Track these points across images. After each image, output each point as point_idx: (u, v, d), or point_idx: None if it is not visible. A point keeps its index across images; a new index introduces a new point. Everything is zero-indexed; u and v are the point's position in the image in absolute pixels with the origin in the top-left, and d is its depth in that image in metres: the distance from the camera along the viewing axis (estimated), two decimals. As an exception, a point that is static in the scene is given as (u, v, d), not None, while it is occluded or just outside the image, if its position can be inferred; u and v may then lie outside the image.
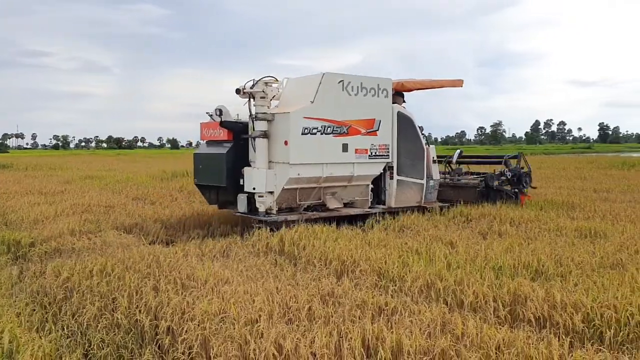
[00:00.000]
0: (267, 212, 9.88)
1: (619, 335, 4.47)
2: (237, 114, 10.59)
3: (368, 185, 11.05)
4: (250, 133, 10.14)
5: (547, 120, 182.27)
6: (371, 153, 10.72)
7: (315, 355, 4.15)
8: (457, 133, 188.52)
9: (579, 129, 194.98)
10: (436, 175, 12.14)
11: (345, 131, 10.30)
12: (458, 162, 14.48)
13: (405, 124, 11.34)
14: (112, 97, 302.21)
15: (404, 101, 12.03)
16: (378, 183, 11.29)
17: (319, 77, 10.06)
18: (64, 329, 5.25)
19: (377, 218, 10.29)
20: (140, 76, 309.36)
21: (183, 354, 4.47)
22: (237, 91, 9.97)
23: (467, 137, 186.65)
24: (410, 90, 12.34)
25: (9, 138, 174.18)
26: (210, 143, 11.04)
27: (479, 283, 5.70)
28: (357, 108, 10.48)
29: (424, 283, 5.85)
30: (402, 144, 11.25)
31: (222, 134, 10.47)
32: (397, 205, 11.22)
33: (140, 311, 5.25)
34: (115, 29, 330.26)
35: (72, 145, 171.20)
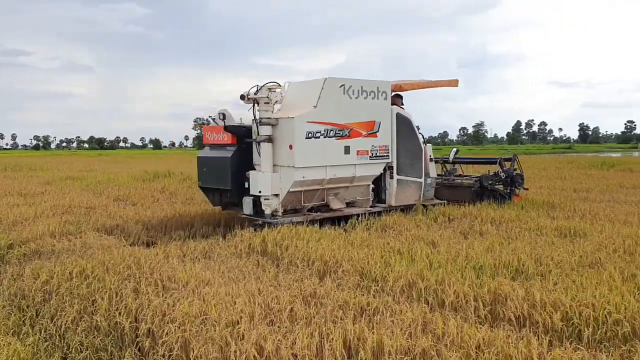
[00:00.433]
0: (273, 214, 10.10)
1: (597, 333, 4.52)
2: (241, 118, 10.79)
3: (369, 185, 11.35)
4: (254, 137, 10.31)
5: (529, 120, 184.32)
6: (372, 154, 11.03)
7: (296, 357, 4.14)
8: (439, 133, 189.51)
9: (560, 129, 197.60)
10: (433, 173, 12.51)
11: (347, 134, 10.60)
12: (454, 162, 14.77)
13: (403, 125, 11.65)
14: (94, 97, 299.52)
15: (402, 102, 12.26)
16: (378, 183, 11.61)
17: (321, 82, 10.27)
18: (42, 332, 5.19)
19: (361, 218, 10.35)
20: (122, 76, 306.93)
21: (163, 356, 4.44)
22: (242, 97, 10.14)
23: (449, 137, 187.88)
24: (408, 91, 12.63)
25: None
26: (213, 147, 11.23)
27: (460, 282, 5.73)
28: (357, 111, 10.77)
29: (406, 283, 5.86)
30: (401, 144, 11.58)
31: (226, 138, 10.68)
32: (397, 203, 11.56)
33: (120, 313, 5.21)
34: (97, 28, 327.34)
35: (53, 146, 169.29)
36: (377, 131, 11.10)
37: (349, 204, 11.25)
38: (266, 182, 10.00)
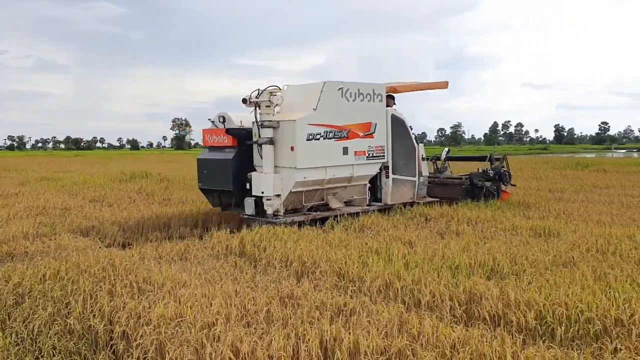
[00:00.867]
0: (275, 214, 10.38)
1: (570, 331, 4.58)
2: (241, 121, 11.09)
3: (366, 184, 11.76)
4: (256, 140, 10.57)
5: (505, 121, 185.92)
6: (369, 154, 11.41)
7: (272, 358, 4.13)
8: (418, 134, 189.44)
9: (536, 130, 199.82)
10: (425, 172, 12.97)
11: (345, 135, 10.95)
12: (446, 159, 15.21)
13: (398, 126, 12.08)
14: (69, 97, 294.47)
15: (394, 103, 12.60)
16: (374, 182, 11.98)
17: (320, 86, 10.63)
18: (12, 336, 5.09)
19: (342, 218, 10.40)
20: (98, 75, 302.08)
21: (138, 359, 4.39)
22: (244, 101, 10.34)
23: (427, 138, 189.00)
24: (401, 92, 13.11)
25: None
26: (213, 149, 11.49)
27: (436, 282, 5.77)
28: (355, 113, 11.14)
29: (383, 283, 5.89)
30: (395, 145, 12.00)
31: (227, 140, 10.98)
32: (392, 202, 11.97)
33: (94, 316, 5.14)
34: (72, 26, 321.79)
35: (28, 146, 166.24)
36: (373, 132, 11.47)
37: (347, 203, 11.60)
38: (268, 183, 10.27)
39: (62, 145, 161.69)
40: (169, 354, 4.26)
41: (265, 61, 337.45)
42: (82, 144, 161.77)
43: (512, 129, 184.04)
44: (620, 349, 4.14)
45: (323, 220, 10.52)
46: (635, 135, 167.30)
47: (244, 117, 11.13)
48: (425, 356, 4.04)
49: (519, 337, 4.37)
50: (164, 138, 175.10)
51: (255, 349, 4.18)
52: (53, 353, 4.69)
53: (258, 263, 7.37)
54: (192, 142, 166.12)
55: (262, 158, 10.45)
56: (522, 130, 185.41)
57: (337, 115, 10.79)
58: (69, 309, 5.41)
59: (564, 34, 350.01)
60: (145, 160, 47.03)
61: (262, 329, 4.67)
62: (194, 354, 4.25)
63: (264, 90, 10.30)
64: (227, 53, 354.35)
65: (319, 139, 10.47)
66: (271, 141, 10.37)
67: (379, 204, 11.88)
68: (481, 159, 15.58)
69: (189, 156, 68.21)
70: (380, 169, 11.81)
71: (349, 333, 4.33)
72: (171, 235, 11.04)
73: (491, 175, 13.97)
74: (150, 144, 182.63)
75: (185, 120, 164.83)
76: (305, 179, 10.37)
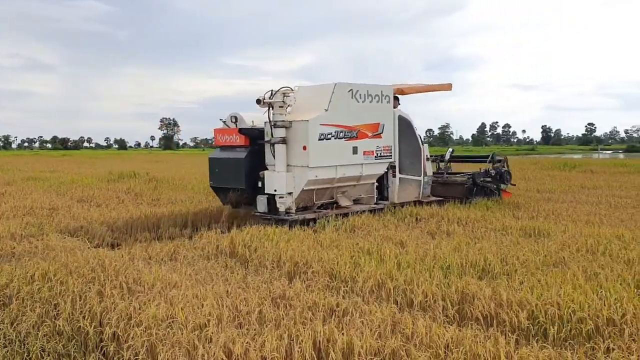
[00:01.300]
0: (287, 212, 10.64)
1: (562, 331, 4.59)
2: (252, 121, 11.45)
3: (373, 183, 12.12)
4: (269, 139, 10.82)
5: (493, 122, 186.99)
6: (377, 154, 11.76)
7: (265, 359, 4.09)
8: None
9: (523, 131, 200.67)
10: (430, 172, 13.32)
11: (355, 135, 11.28)
12: (449, 161, 15.43)
13: (404, 126, 12.45)
14: (56, 96, 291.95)
15: (399, 103, 12.83)
16: (381, 181, 12.33)
17: (332, 87, 10.95)
18: (0, 338, 5.01)
19: (330, 219, 10.41)
20: (86, 75, 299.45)
21: (129, 361, 4.33)
22: (258, 101, 10.58)
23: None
24: (408, 94, 13.43)
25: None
26: (225, 148, 11.83)
27: (428, 282, 5.76)
28: (364, 114, 11.48)
29: (375, 283, 5.87)
30: (402, 145, 12.38)
31: (239, 140, 11.31)
32: (399, 200, 12.35)
33: (84, 317, 5.07)
34: (58, 25, 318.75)
35: (14, 146, 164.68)
36: (382, 132, 11.83)
37: (355, 202, 11.91)
38: (281, 181, 10.54)
39: (49, 145, 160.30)
40: (160, 355, 4.21)
41: (253, 61, 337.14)
42: (69, 143, 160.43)
43: (499, 130, 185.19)
44: (613, 349, 4.15)
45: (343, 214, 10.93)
46: (621, 136, 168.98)
47: (255, 117, 11.47)
48: (419, 357, 4.03)
49: (512, 337, 4.37)
50: (152, 138, 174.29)
51: (248, 350, 4.15)
52: (42, 355, 4.62)
53: (249, 263, 7.32)
54: (180, 142, 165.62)
55: (274, 157, 10.70)
56: (510, 131, 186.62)
57: (347, 115, 11.12)
58: (58, 310, 5.34)
59: (553, 35, 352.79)
60: (133, 160, 46.74)
61: (255, 330, 4.63)
62: (186, 355, 4.20)
63: (277, 91, 10.58)
64: (215, 53, 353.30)
65: (330, 139, 10.79)
66: (284, 141, 10.62)
67: (385, 202, 12.21)
68: (483, 158, 15.83)
69: (177, 156, 67.99)
70: (387, 168, 12.16)
71: (343, 334, 4.30)
72: (160, 236, 10.94)
73: (493, 174, 14.34)
74: (138, 144, 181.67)
75: (173, 120, 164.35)
76: (317, 177, 10.65)
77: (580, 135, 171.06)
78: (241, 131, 11.25)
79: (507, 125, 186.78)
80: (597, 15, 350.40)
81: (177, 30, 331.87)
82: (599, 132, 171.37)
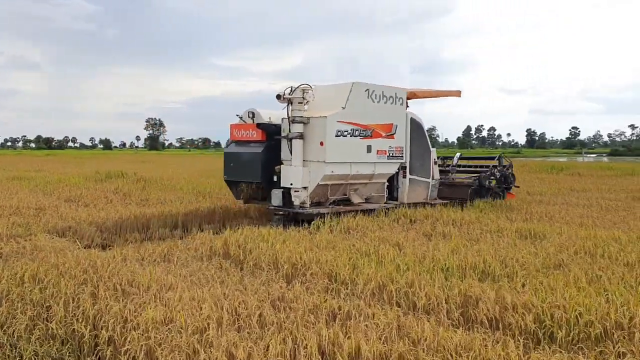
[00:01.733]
0: (301, 205, 10.83)
1: (570, 335, 4.50)
2: (269, 117, 11.68)
3: (384, 183, 12.36)
4: (286, 134, 11.01)
5: (478, 125, 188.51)
6: (389, 154, 12.02)
7: (269, 364, 3.96)
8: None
9: (508, 134, 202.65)
10: (437, 175, 13.64)
11: (370, 134, 11.52)
12: (458, 165, 15.87)
13: (416, 128, 12.79)
14: (41, 95, 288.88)
15: (408, 106, 13.01)
16: (391, 181, 12.58)
17: (349, 86, 11.22)
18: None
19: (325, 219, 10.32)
20: (71, 74, 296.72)
21: (126, 365, 4.18)
22: (278, 97, 10.85)
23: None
24: (420, 98, 13.88)
25: None
26: (240, 143, 12.01)
27: (430, 285, 5.66)
28: (379, 114, 11.75)
29: (376, 285, 5.76)
30: (413, 146, 12.67)
31: (256, 135, 11.55)
32: (408, 201, 12.56)
33: (77, 320, 4.90)
34: (44, 24, 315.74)
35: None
36: (394, 133, 12.10)
37: (366, 200, 12.12)
38: (297, 175, 10.78)
39: (33, 145, 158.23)
40: (159, 360, 4.06)
41: (242, 62, 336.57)
42: (53, 143, 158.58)
43: (485, 133, 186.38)
44: (625, 353, 4.07)
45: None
46: (604, 140, 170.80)
47: (272, 114, 11.71)
48: (428, 361, 3.92)
49: (521, 341, 4.28)
50: (137, 138, 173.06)
51: (251, 355, 4.02)
52: (35, 359, 4.45)
53: (244, 265, 7.18)
54: (166, 143, 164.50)
55: (291, 152, 10.89)
56: (495, 134, 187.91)
57: (363, 114, 11.34)
58: (50, 313, 5.16)
59: (540, 41, 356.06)
60: (119, 160, 46.27)
61: (256, 333, 4.49)
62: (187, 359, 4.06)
63: (297, 87, 10.83)
64: (203, 53, 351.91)
65: (346, 136, 11.01)
66: (301, 136, 10.83)
67: (395, 202, 12.43)
68: (491, 159, 16.37)
69: (164, 156, 67.47)
70: (398, 168, 12.42)
71: (348, 338, 4.18)
72: (151, 236, 10.78)
73: (498, 177, 14.70)
74: (124, 144, 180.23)
75: (159, 120, 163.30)
76: (332, 172, 10.89)
77: (564, 138, 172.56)
78: (259, 126, 11.46)
79: (492, 129, 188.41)
80: (583, 23, 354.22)
81: (165, 29, 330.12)
82: (582, 136, 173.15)
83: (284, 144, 11.17)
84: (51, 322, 4.91)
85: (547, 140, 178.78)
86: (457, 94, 15.20)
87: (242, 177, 11.86)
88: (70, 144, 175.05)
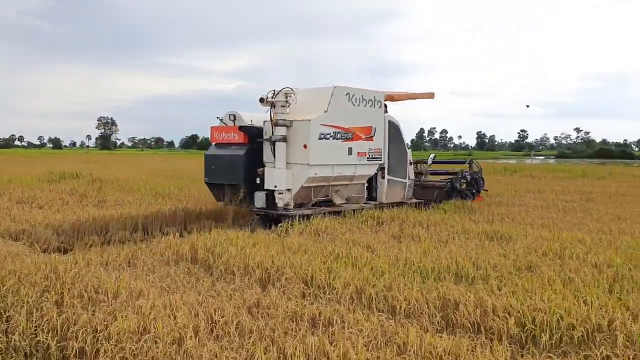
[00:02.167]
0: (285, 207, 10.95)
1: (553, 338, 4.51)
2: (251, 120, 11.83)
3: (364, 183, 12.69)
4: (268, 137, 11.13)
5: (431, 128, 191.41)
6: (369, 156, 12.32)
7: (255, 375, 3.81)
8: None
9: (459, 136, 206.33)
10: (412, 175, 14.13)
11: (350, 137, 11.81)
12: (433, 164, 16.40)
13: (393, 130, 13.11)
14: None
15: (387, 108, 13.30)
16: (370, 181, 12.88)
17: (331, 89, 11.44)
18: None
19: (292, 221, 10.18)
20: (17, 70, 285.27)
21: (100, 379, 3.95)
22: (261, 100, 10.93)
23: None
24: (397, 101, 14.24)
25: None
26: (221, 145, 12.12)
27: (408, 288, 5.61)
28: (359, 117, 12.05)
29: (354, 290, 5.66)
30: (391, 148, 12.99)
31: (238, 137, 11.66)
32: (386, 201, 12.91)
33: (43, 331, 4.60)
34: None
35: None
36: (373, 135, 12.39)
37: (347, 200, 12.33)
38: (281, 177, 10.92)
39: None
40: (136, 373, 3.85)
41: (194, 60, 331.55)
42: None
43: (437, 135, 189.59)
44: (610, 357, 4.09)
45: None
46: (551, 143, 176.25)
47: (253, 117, 11.86)
48: (417, 368, 3.84)
49: (508, 346, 4.25)
50: (88, 137, 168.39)
51: (234, 365, 3.85)
52: (-3, 375, 4.16)
53: (214, 270, 6.97)
54: (118, 142, 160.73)
55: (274, 155, 11.01)
56: (447, 137, 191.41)
57: (344, 117, 11.61)
58: (12, 324, 4.83)
59: (492, 46, 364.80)
60: (70, 159, 44.81)
61: (237, 342, 4.32)
62: (166, 372, 3.86)
63: (280, 91, 10.94)
64: (156, 52, 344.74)
65: (328, 139, 11.25)
66: (284, 139, 10.94)
67: (374, 202, 12.75)
68: (461, 163, 17.15)
69: (116, 156, 65.82)
70: (377, 170, 12.73)
71: (335, 346, 4.06)
72: (110, 240, 10.39)
73: (469, 179, 15.23)
74: (74, 143, 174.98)
75: (111, 119, 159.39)
76: (315, 175, 11.12)
77: (513, 141, 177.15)
78: (242, 129, 11.55)
79: (445, 131, 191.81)
80: (533, 29, 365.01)
81: (116, 27, 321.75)
82: (530, 139, 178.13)
83: (267, 146, 11.26)
84: (13, 334, 4.60)
85: (496, 143, 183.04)
86: (431, 95, 15.76)
87: (224, 180, 11.91)
88: (17, 142, 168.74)
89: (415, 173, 15.14)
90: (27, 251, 7.86)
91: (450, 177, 15.43)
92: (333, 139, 11.35)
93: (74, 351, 4.27)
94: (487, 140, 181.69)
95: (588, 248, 7.93)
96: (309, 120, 10.90)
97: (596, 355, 4.09)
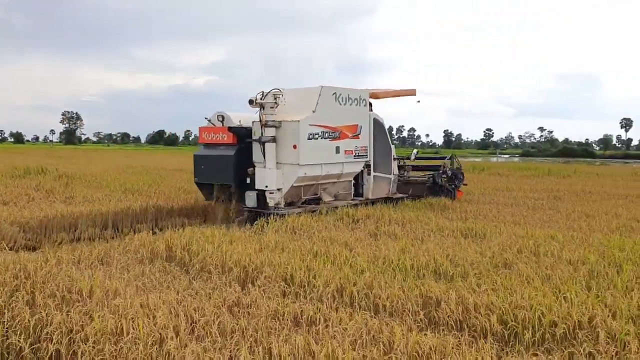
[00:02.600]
0: (276, 206, 11.08)
1: (536, 335, 4.54)
2: (240, 120, 12.05)
3: (351, 181, 12.93)
4: (258, 137, 11.21)
5: (399, 126, 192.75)
6: (355, 154, 12.57)
7: (240, 376, 3.72)
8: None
9: (427, 135, 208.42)
10: (396, 171, 14.41)
11: (338, 136, 12.02)
12: (416, 159, 16.66)
13: (378, 128, 13.36)
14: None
15: (372, 107, 13.50)
16: (357, 178, 13.10)
17: (318, 90, 11.64)
18: None
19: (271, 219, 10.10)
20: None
21: (78, 383, 3.81)
22: (250, 102, 11.02)
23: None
24: (381, 99, 14.38)
25: None
26: (210, 146, 12.26)
27: (389, 286, 5.59)
28: (345, 116, 12.26)
29: (335, 288, 5.61)
30: (376, 145, 13.23)
31: (227, 138, 11.80)
32: (372, 197, 13.18)
33: (15, 333, 4.43)
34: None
35: None
36: (359, 133, 12.65)
37: (334, 197, 12.56)
38: (272, 177, 11.07)
39: None
40: (117, 375, 3.72)
41: (162, 55, 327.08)
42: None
43: (405, 134, 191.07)
44: (593, 354, 4.13)
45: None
46: (515, 141, 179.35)
47: (242, 117, 12.06)
48: (405, 367, 3.81)
49: (493, 343, 4.26)
50: (52, 132, 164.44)
51: (219, 367, 3.75)
52: (-32, 379, 3.98)
53: (190, 268, 6.85)
54: (83, 137, 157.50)
55: (264, 155, 11.11)
56: (415, 135, 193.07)
57: (332, 117, 11.81)
58: (-19, 325, 4.64)
59: (460, 44, 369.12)
60: (34, 154, 43.61)
61: (219, 342, 4.22)
62: (148, 374, 3.74)
63: (269, 92, 11.08)
64: (123, 44, 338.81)
65: (317, 139, 11.44)
66: (274, 139, 11.07)
67: (360, 198, 12.98)
68: (443, 158, 17.25)
69: (82, 151, 64.31)
70: (363, 167, 12.96)
71: (322, 346, 3.99)
72: (80, 237, 10.19)
73: (449, 175, 15.52)
74: (37, 138, 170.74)
75: (76, 113, 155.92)
76: (305, 174, 11.31)
77: (479, 139, 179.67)
78: (231, 129, 11.69)
79: (412, 129, 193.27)
80: (503, 32, 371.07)
81: (82, 19, 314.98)
82: (496, 137, 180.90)
83: (256, 146, 11.35)
84: (-16, 336, 4.42)
85: (462, 141, 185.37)
86: (413, 92, 16.03)
87: (214, 180, 12.10)
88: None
89: (398, 167, 15.37)
90: (-7, 249, 7.59)
91: (432, 172, 15.74)
92: (321, 138, 11.54)
93: (49, 353, 4.13)
94: (453, 139, 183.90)
95: (562, 245, 8.03)
96: (298, 121, 11.05)
97: (580, 352, 4.13)
